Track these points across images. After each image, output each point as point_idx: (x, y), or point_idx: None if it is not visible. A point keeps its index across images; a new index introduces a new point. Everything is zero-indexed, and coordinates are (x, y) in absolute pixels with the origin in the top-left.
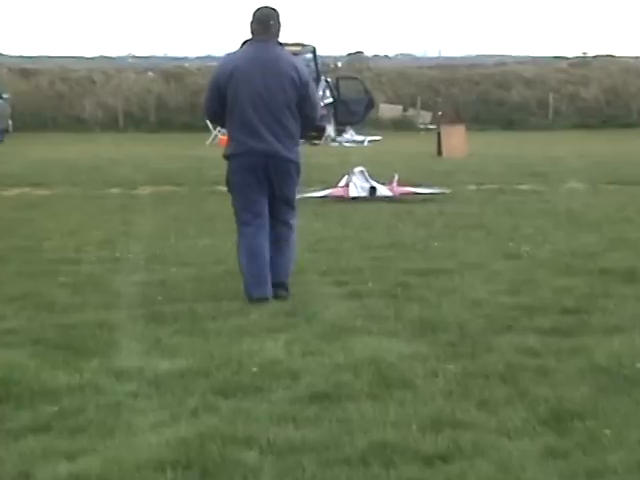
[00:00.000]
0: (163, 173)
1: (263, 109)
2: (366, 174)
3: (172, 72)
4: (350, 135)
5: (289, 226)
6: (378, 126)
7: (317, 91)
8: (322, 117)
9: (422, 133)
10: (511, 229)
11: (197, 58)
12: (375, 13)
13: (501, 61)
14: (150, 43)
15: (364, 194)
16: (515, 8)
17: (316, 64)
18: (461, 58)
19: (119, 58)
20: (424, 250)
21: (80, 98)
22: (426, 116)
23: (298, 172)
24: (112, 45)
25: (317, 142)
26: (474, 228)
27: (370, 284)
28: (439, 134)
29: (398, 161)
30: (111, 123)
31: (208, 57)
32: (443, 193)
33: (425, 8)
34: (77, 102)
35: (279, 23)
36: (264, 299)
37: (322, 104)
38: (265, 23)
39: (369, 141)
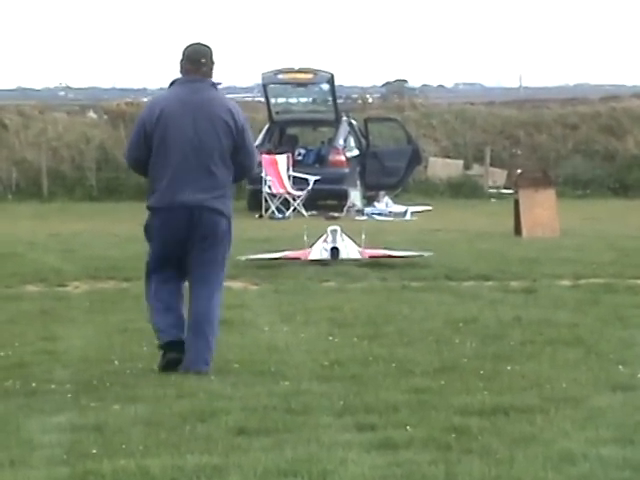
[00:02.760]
0: (106, 262)
1: (192, 157)
2: (338, 233)
3: (123, 111)
4: (385, 204)
5: (211, 296)
6: (427, 191)
7: (336, 138)
8: (343, 177)
9: (492, 201)
10: (622, 346)
11: (161, 90)
12: (425, 27)
13: (610, 94)
14: (90, 70)
15: (326, 256)
16: (629, 20)
17: (334, 99)
18: (550, 90)
19: (45, 90)
20: (491, 377)
21: None
22: (498, 176)
23: (228, 228)
24: (36, 72)
25: (336, 214)
26: (567, 344)
27: (409, 429)
28: (517, 202)
29: (456, 243)
30: (30, 188)
31: None
32: (421, 256)
33: (500, 20)
34: None
35: (212, 61)
36: (177, 343)
37: (343, 157)
38: (197, 61)
39: (413, 213)
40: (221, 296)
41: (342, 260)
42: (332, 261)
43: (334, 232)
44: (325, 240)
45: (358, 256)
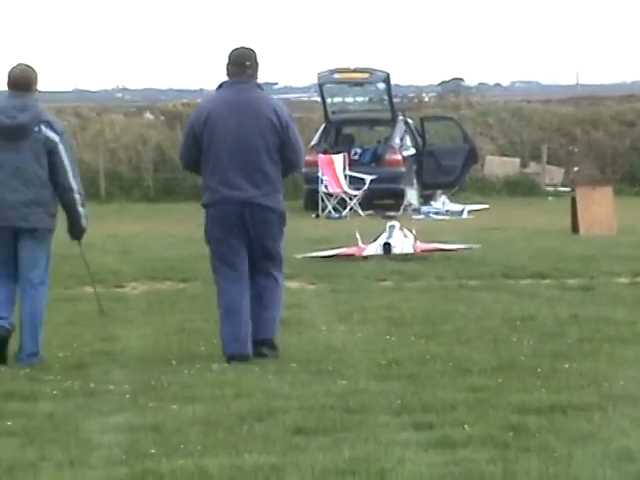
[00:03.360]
0: (163, 263)
1: (239, 155)
2: (395, 229)
3: (179, 112)
4: (442, 203)
5: (273, 280)
6: (484, 189)
7: (393, 138)
8: (400, 176)
9: (550, 199)
10: None
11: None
12: (481, 25)
13: None
14: (147, 72)
15: (379, 252)
16: None
17: (390, 98)
18: (607, 87)
19: (102, 92)
20: (549, 376)
21: None
22: (556, 174)
23: (281, 222)
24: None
25: (392, 213)
26: (626, 342)
27: (467, 427)
28: (574, 200)
29: (513, 241)
30: (88, 189)
31: None
32: (470, 248)
33: (557, 17)
34: None
35: (257, 63)
36: (243, 357)
37: (400, 156)
38: (241, 64)
39: (470, 211)
40: (281, 285)
41: (395, 255)
42: (385, 256)
43: (392, 228)
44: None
45: (411, 250)
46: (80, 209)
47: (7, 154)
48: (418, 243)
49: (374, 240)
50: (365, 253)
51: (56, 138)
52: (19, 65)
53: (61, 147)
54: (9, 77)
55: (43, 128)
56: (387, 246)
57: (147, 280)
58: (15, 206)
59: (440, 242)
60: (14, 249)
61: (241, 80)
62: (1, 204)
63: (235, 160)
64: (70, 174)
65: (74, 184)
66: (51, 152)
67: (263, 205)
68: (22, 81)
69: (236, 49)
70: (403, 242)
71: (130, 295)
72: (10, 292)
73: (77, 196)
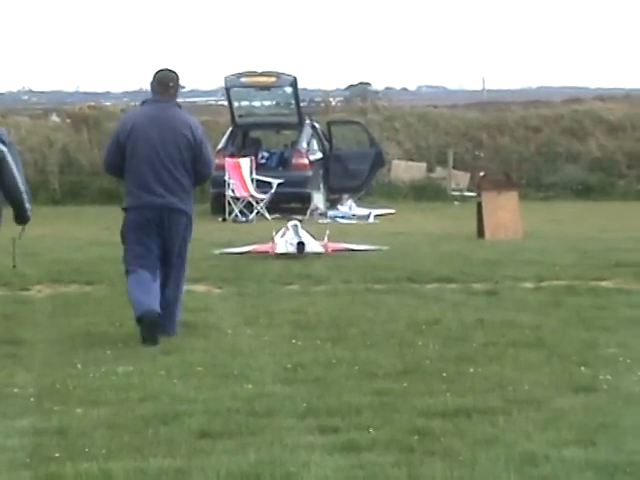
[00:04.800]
0: (68, 266)
1: (158, 165)
2: (299, 228)
3: (86, 115)
4: (348, 207)
5: (177, 283)
6: (390, 194)
7: (299, 142)
8: (307, 180)
9: (456, 203)
10: (584, 347)
11: (124, 94)
12: (388, 30)
13: (573, 96)
14: (54, 73)
15: (292, 250)
16: (593, 22)
17: (297, 102)
18: (513, 92)
19: (8, 94)
20: (454, 379)
21: None
22: (462, 178)
23: (190, 225)
24: None
25: (299, 218)
26: (530, 346)
27: (372, 431)
28: (480, 205)
29: (419, 245)
30: None
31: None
32: (380, 250)
33: (462, 22)
34: None
35: (178, 85)
36: (152, 313)
37: (307, 160)
38: (165, 85)
39: (377, 216)
40: (184, 281)
41: (307, 254)
42: (299, 255)
43: (295, 227)
44: (283, 235)
45: (322, 250)
46: (27, 205)
47: None
48: (328, 243)
49: (272, 239)
50: (278, 251)
51: (4, 149)
52: None
53: (9, 157)
54: None
55: None
56: (301, 245)
57: (52, 283)
58: None
59: (349, 243)
60: None
61: (162, 99)
62: None
63: (155, 169)
64: (18, 180)
65: (22, 187)
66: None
67: (178, 209)
68: None
69: (161, 70)
70: (311, 242)
71: (35, 298)
72: None
73: (25, 196)
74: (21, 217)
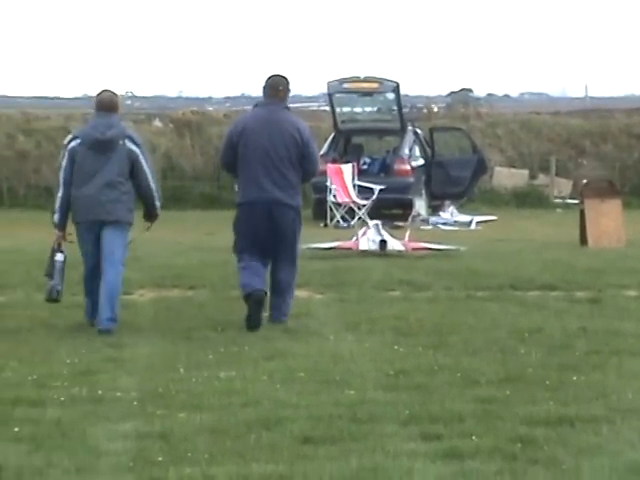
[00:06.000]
0: (171, 270)
1: (268, 163)
2: (380, 227)
3: (188, 120)
4: (450, 214)
5: (289, 271)
6: (493, 200)
7: (402, 148)
8: (409, 186)
9: (558, 211)
10: None
11: (226, 99)
12: (491, 36)
13: None
14: (156, 78)
15: (374, 247)
16: None
17: (400, 108)
18: (616, 99)
19: None
20: (557, 388)
21: (51, 159)
22: (564, 186)
23: (299, 218)
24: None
25: (401, 223)
26: (633, 355)
27: (475, 438)
28: (583, 212)
29: (522, 252)
30: None
31: (242, 97)
32: (458, 249)
33: (566, 29)
34: (46, 164)
35: (288, 90)
36: (259, 292)
37: (409, 167)
38: (275, 89)
39: (479, 222)
40: (297, 267)
41: (389, 251)
42: (381, 252)
43: (377, 226)
44: (364, 233)
45: (402, 248)
46: (157, 203)
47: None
48: (408, 242)
49: (354, 237)
50: (361, 247)
51: (137, 150)
52: (106, 91)
53: (141, 157)
54: (99, 101)
55: (127, 142)
56: (383, 243)
57: (155, 287)
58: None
59: (429, 242)
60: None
61: (273, 102)
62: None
63: (264, 167)
64: (150, 177)
65: (153, 185)
66: (134, 161)
67: (286, 204)
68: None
69: (273, 76)
70: (392, 240)
71: (138, 302)
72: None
73: (156, 194)
74: (150, 214)
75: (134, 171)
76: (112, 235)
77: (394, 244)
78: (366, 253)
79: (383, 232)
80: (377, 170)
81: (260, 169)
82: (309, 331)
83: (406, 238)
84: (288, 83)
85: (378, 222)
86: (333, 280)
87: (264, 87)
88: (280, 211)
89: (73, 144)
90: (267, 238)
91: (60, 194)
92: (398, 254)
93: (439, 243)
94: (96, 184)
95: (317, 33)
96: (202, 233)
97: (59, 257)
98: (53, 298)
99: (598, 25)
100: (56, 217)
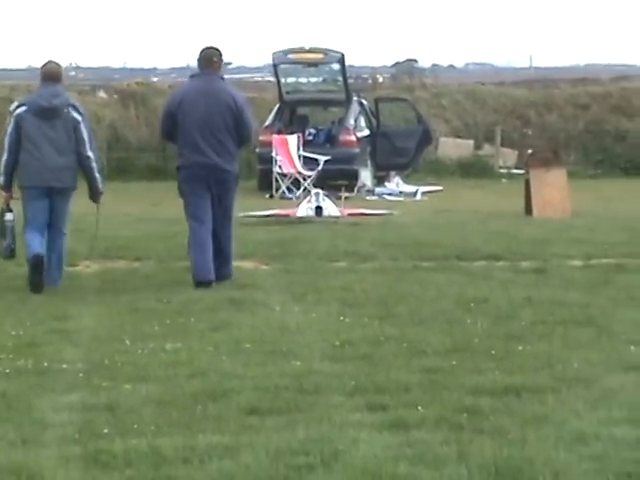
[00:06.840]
0: (116, 242)
1: (206, 130)
2: (321, 195)
3: (133, 91)
4: (395, 184)
5: (228, 232)
6: (438, 171)
7: (347, 119)
8: (354, 157)
9: (503, 181)
10: (634, 326)
11: (171, 70)
12: (435, 6)
13: (621, 74)
14: (101, 49)
15: (311, 214)
16: None
17: (345, 79)
18: (561, 69)
19: None
20: (503, 358)
21: None
22: (509, 156)
23: (235, 182)
24: (46, 52)
25: (347, 194)
26: (579, 324)
27: (421, 408)
28: (528, 183)
29: (467, 223)
30: None
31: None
32: (391, 214)
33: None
34: None
35: (221, 60)
36: (208, 282)
37: (354, 137)
38: (210, 60)
39: (424, 193)
40: (232, 230)
41: (325, 217)
42: (317, 218)
43: (317, 194)
44: (309, 201)
45: (338, 214)
46: (97, 174)
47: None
48: (344, 209)
49: (298, 205)
50: (298, 214)
51: (79, 117)
52: (50, 62)
53: (82, 125)
54: (44, 72)
55: (71, 110)
56: (319, 209)
57: (100, 259)
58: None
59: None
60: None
61: (208, 73)
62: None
63: (202, 134)
64: (88, 146)
65: (91, 154)
66: (75, 129)
67: (223, 169)
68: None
69: (206, 48)
70: (329, 207)
71: (83, 273)
72: (42, 235)
73: (94, 165)
74: (93, 192)
75: (74, 138)
76: (60, 203)
77: (331, 210)
78: (304, 220)
79: (322, 199)
80: (322, 141)
81: (199, 136)
82: (255, 302)
83: (342, 204)
84: (221, 55)
85: (319, 190)
86: (279, 251)
87: (198, 59)
88: (219, 176)
89: (19, 111)
90: (208, 197)
91: (5, 158)
92: (335, 221)
93: (375, 208)
94: (46, 150)
95: (262, 4)
96: (148, 204)
97: (9, 217)
98: (8, 255)
99: None
100: (1, 179)
